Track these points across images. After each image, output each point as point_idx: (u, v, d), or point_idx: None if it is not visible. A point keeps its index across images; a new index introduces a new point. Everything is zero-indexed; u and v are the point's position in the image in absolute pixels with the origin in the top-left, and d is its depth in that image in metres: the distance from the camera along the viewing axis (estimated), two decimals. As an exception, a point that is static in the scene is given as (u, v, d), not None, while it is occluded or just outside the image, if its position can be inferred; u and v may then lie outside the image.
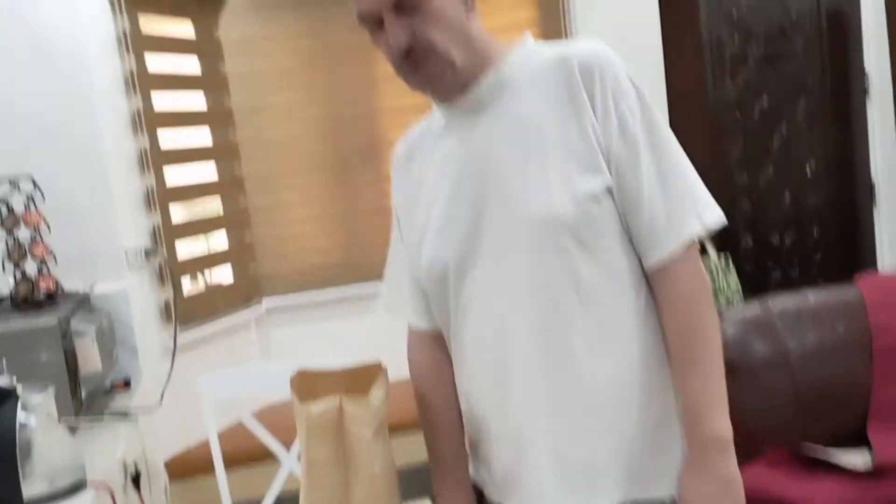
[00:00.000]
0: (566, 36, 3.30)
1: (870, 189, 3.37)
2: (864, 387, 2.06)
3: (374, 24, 1.19)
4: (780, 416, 2.04)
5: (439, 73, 1.20)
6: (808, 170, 3.20)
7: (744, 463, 2.07)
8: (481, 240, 1.22)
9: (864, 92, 3.32)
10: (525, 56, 1.26)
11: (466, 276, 1.24)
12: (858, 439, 2.05)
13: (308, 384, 1.41)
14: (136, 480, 2.47)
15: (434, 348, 1.39)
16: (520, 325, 1.19)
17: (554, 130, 1.18)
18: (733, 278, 3.00)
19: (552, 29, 3.34)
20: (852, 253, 3.38)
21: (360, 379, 1.42)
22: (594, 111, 1.18)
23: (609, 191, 1.18)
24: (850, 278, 2.29)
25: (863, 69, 3.31)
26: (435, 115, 1.35)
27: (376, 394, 1.27)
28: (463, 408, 1.35)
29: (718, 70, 3.13)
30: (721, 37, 3.13)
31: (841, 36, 3.28)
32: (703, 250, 2.78)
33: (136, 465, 2.50)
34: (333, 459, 1.26)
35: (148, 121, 2.80)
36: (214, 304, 3.07)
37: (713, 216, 1.19)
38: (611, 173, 1.18)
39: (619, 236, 1.19)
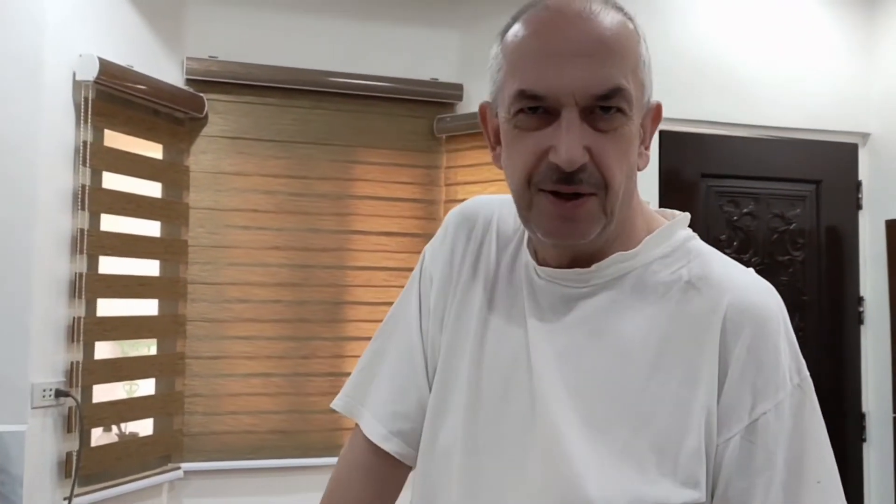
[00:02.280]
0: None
1: (860, 419, 3.14)
2: None
3: (537, 115, 0.82)
4: None
5: (592, 219, 0.84)
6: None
7: None
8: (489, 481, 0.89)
9: (859, 318, 3.16)
10: (672, 250, 0.90)
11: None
12: None
13: None
14: None
15: (378, 481, 1.01)
16: None
17: (655, 392, 0.83)
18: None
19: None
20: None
21: None
22: (721, 389, 0.82)
23: None
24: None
25: (858, 294, 3.17)
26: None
27: None
28: None
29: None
30: (720, 239, 2.98)
31: (838, 255, 3.17)
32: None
33: None
34: None
35: (90, 243, 2.48)
36: (125, 460, 2.63)
37: None
38: (707, 488, 0.82)
39: None
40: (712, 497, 0.83)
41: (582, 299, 0.88)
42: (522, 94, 0.82)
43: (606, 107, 0.81)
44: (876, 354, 3.13)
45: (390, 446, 0.99)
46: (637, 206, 0.90)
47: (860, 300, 3.16)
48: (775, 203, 3.11)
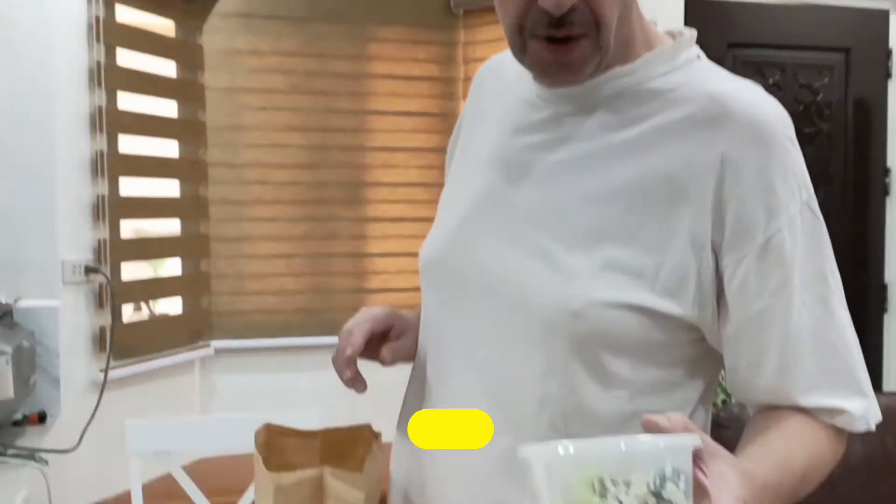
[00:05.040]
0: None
1: (882, 290, 3.15)
2: (913, 512, 1.78)
3: None
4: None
5: (585, 60, 0.82)
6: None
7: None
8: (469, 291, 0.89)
9: (885, 189, 3.13)
10: (673, 68, 0.86)
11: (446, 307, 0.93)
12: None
13: (275, 444, 1.06)
14: (34, 537, 2.08)
15: None
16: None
17: (643, 210, 0.81)
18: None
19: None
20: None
21: (344, 445, 1.08)
22: (723, 205, 0.80)
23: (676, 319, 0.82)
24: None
25: (885, 165, 3.12)
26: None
27: (371, 467, 0.93)
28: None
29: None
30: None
31: (866, 126, 3.11)
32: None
33: (36, 521, 2.11)
34: (305, 553, 0.92)
35: (109, 121, 2.47)
36: (157, 337, 2.69)
37: (876, 417, 0.85)
38: (694, 307, 0.81)
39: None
40: (716, 320, 0.83)
41: (575, 116, 0.87)
42: None
43: None
44: (900, 226, 3.11)
45: None
46: (637, 23, 0.87)
47: (887, 171, 3.12)
48: (802, 73, 3.04)
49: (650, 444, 0.62)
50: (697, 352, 0.85)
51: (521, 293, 0.84)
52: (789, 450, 0.79)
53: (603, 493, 0.60)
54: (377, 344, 0.96)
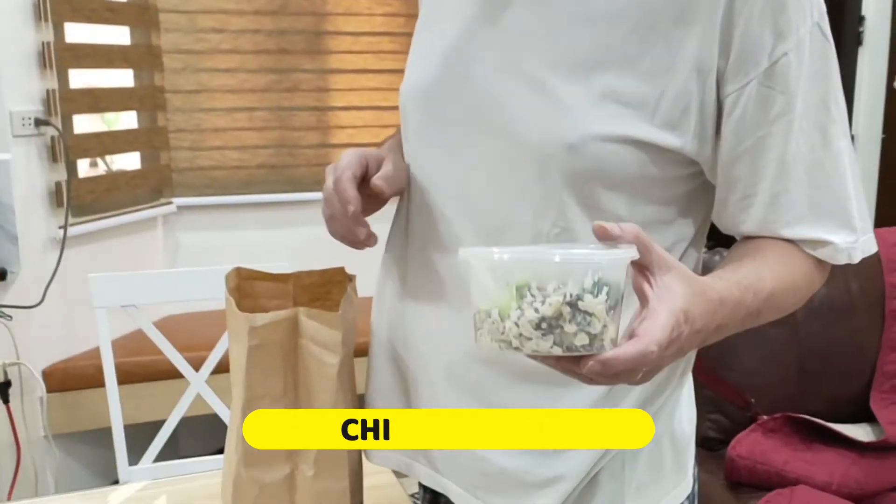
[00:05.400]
0: None
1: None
2: (872, 352, 1.83)
3: None
4: (779, 377, 1.79)
5: None
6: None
7: (738, 429, 1.85)
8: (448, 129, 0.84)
9: (858, 39, 3.07)
10: None
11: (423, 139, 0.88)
12: (858, 415, 1.82)
13: (247, 289, 1.03)
14: (3, 387, 2.07)
15: None
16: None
17: (645, 35, 0.75)
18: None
19: None
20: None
21: (318, 288, 1.06)
22: (730, 28, 0.73)
23: (674, 153, 0.77)
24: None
25: (860, 13, 3.06)
26: None
27: (346, 308, 0.91)
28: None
29: None
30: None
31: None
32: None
33: (5, 371, 2.10)
34: (281, 393, 0.90)
35: (49, -40, 2.29)
36: (116, 194, 2.61)
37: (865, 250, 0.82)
38: (693, 136, 0.76)
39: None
40: (716, 150, 0.78)
41: None
42: None
43: None
44: (872, 77, 3.08)
45: None
46: None
47: (861, 20, 3.06)
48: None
49: (582, 256, 0.61)
50: (692, 188, 0.82)
51: (513, 126, 0.78)
52: (758, 271, 0.76)
53: (520, 298, 0.60)
54: (362, 188, 0.89)
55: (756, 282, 0.75)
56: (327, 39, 2.98)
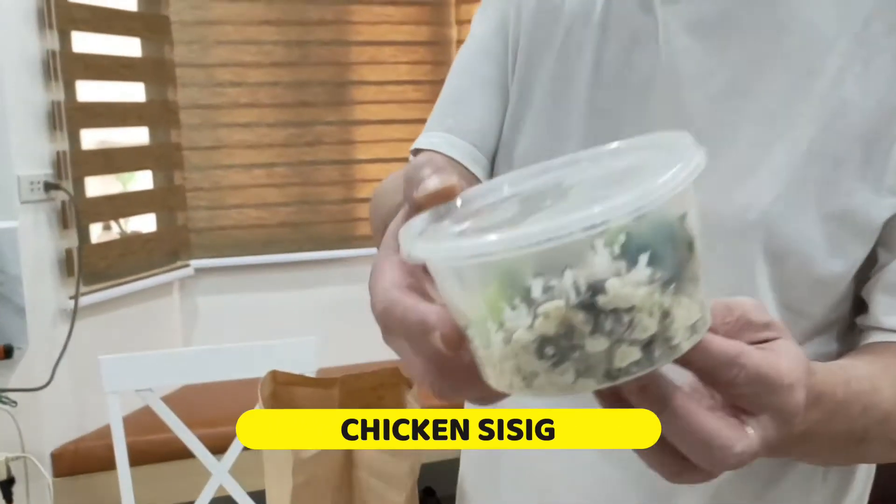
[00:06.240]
0: None
1: None
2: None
3: None
4: None
5: None
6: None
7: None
8: None
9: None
10: None
11: None
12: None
13: (284, 396, 0.86)
14: (6, 485, 1.90)
15: None
16: None
17: (855, 80, 0.60)
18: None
19: None
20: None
21: (367, 395, 0.88)
22: None
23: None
24: None
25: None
26: None
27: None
28: None
29: None
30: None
31: None
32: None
33: (8, 467, 1.93)
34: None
35: (61, 17, 2.17)
36: (130, 258, 2.46)
37: None
38: None
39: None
40: None
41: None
42: None
43: None
44: None
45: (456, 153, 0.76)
46: None
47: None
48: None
49: (581, 218, 0.34)
50: None
51: None
52: (874, 379, 0.56)
53: (497, 313, 0.36)
54: None
55: (870, 392, 0.55)
56: (350, 90, 2.85)
